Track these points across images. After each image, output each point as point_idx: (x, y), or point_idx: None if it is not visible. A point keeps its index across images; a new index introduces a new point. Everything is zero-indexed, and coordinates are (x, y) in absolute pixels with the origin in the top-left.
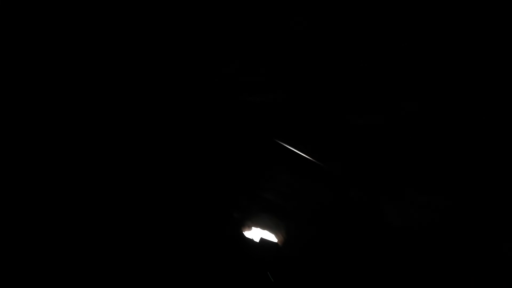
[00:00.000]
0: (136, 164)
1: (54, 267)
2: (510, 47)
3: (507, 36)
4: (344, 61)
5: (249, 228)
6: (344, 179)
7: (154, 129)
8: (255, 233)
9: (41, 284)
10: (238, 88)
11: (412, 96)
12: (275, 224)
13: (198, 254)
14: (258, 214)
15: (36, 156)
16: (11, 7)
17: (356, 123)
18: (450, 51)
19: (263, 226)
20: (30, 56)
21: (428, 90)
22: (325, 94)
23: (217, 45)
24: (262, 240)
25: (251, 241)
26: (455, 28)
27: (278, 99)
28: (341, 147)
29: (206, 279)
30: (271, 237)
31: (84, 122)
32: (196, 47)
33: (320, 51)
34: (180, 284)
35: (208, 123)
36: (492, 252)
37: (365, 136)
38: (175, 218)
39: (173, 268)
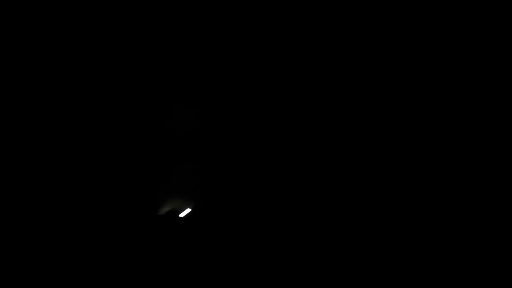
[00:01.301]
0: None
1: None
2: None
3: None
4: None
5: (169, 205)
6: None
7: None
8: (173, 208)
9: (39, 283)
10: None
11: None
12: (184, 199)
13: (134, 227)
14: (170, 195)
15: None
16: (11, 7)
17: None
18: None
19: (176, 203)
20: (21, 57)
21: None
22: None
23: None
24: (175, 210)
25: (171, 212)
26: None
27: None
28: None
29: (138, 245)
30: (184, 207)
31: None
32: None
33: None
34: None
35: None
36: None
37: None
38: (114, 204)
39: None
